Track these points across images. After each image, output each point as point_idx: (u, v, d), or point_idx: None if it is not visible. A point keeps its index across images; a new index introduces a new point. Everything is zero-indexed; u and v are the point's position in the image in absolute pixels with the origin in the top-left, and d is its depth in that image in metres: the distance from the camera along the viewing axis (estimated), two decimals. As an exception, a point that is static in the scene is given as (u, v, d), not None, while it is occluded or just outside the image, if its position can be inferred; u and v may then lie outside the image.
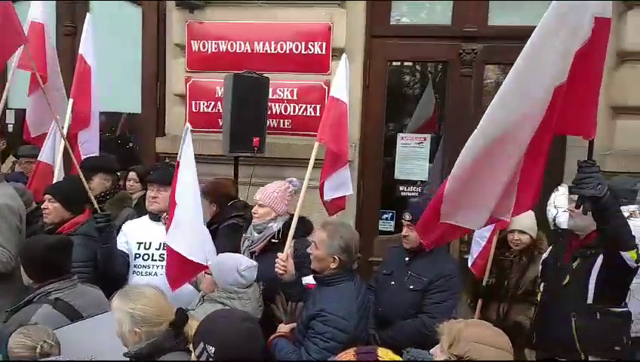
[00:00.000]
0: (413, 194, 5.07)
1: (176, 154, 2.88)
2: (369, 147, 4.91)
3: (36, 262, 2.58)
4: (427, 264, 2.96)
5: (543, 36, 2.16)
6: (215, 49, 4.79)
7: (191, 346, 1.94)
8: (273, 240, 3.13)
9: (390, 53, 4.98)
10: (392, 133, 5.40)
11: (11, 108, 5.33)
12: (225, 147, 4.25)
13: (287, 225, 3.08)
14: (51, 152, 3.98)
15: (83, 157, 4.07)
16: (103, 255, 3.04)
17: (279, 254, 2.84)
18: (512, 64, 2.25)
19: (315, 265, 2.67)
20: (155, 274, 3.14)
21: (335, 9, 4.62)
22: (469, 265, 3.74)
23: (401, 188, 5.10)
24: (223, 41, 4.76)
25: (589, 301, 2.75)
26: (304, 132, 4.59)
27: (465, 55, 4.71)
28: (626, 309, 2.79)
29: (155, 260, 3.18)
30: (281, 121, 4.76)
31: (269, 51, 4.69)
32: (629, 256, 2.50)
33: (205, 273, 2.83)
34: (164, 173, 3.26)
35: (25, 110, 4.43)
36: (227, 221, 3.55)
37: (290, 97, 4.72)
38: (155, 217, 3.25)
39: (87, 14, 4.26)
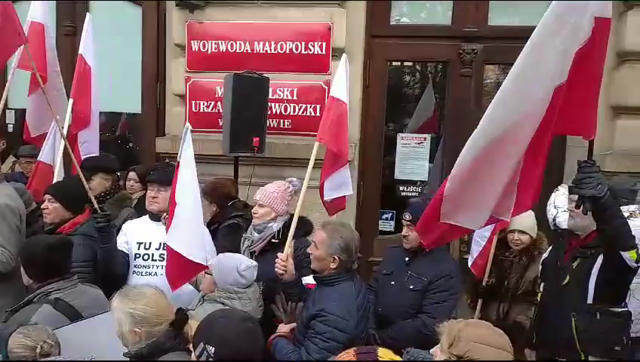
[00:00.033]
0: (413, 194, 5.07)
1: (177, 154, 2.88)
2: (369, 147, 4.91)
3: (36, 262, 2.58)
4: (427, 264, 2.96)
5: (543, 36, 2.16)
6: (215, 49, 4.79)
7: (191, 346, 1.94)
8: (273, 240, 3.13)
9: (390, 53, 4.98)
10: (392, 133, 5.40)
11: (11, 109, 5.33)
12: (225, 147, 4.25)
13: (287, 225, 3.09)
14: (51, 152, 3.98)
15: (83, 158, 4.08)
16: (103, 255, 3.04)
17: (279, 254, 2.84)
18: (512, 64, 2.26)
19: (315, 265, 2.67)
20: (155, 274, 3.13)
21: (335, 9, 4.62)
22: (469, 265, 3.74)
23: (401, 188, 5.10)
24: (223, 41, 4.76)
25: (589, 301, 2.74)
26: (304, 132, 4.59)
27: (465, 55, 4.71)
28: (626, 309, 2.79)
29: (155, 260, 3.18)
30: (281, 121, 4.76)
31: (269, 51, 4.69)
32: (628, 256, 2.50)
33: (205, 273, 2.83)
34: (164, 173, 3.25)
35: (25, 110, 4.43)
36: (227, 221, 3.56)
37: (290, 97, 4.72)
38: (155, 217, 3.25)
39: (87, 14, 4.27)
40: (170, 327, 2.07)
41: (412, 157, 5.02)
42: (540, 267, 3.21)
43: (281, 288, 2.84)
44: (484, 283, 3.59)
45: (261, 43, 4.69)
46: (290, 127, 4.75)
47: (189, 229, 2.81)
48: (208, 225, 3.47)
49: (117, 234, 3.21)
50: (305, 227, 3.21)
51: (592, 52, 2.20)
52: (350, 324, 2.48)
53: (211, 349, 1.80)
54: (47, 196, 3.17)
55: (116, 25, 5.24)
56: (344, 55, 3.56)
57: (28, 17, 4.04)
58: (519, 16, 4.71)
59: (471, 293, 3.72)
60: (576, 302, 2.77)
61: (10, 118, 5.55)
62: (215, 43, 4.78)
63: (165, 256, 2.96)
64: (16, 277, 3.02)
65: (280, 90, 4.70)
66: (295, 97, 4.72)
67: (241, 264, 2.78)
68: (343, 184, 3.60)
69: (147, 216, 3.32)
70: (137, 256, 3.20)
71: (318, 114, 4.58)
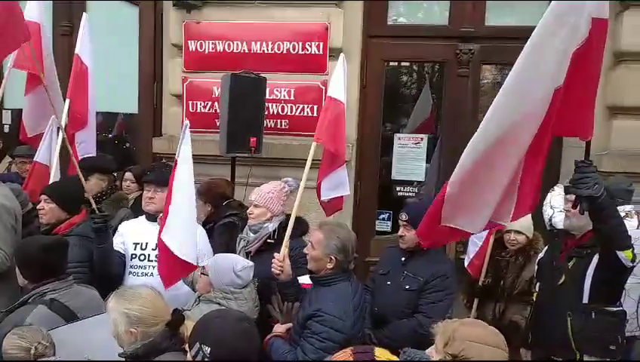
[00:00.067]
0: (410, 194, 5.08)
1: (173, 154, 2.88)
2: (366, 147, 4.91)
3: (32, 262, 2.57)
4: (423, 264, 2.96)
5: (542, 36, 2.16)
6: (212, 49, 4.79)
7: (187, 346, 1.93)
8: (269, 241, 3.12)
9: (387, 53, 4.98)
10: (389, 134, 5.42)
11: (7, 109, 5.32)
12: (222, 147, 4.25)
13: (282, 226, 3.08)
14: (47, 153, 3.96)
15: (80, 158, 4.06)
16: (99, 255, 3.03)
17: (276, 254, 2.84)
18: (509, 64, 2.26)
19: (311, 266, 2.66)
20: (152, 274, 3.12)
21: (332, 9, 4.62)
22: (466, 265, 3.75)
23: (398, 188, 5.10)
24: (220, 41, 4.76)
25: (585, 300, 2.75)
26: (301, 132, 4.59)
27: (462, 55, 4.71)
28: (621, 309, 2.80)
29: (152, 261, 3.16)
30: (279, 121, 4.76)
31: (266, 51, 4.69)
32: (624, 255, 2.51)
33: (201, 273, 2.83)
34: (161, 173, 3.25)
35: (21, 110, 4.42)
36: (223, 220, 3.56)
37: (287, 97, 4.72)
38: (152, 218, 3.24)
39: (84, 14, 4.25)
40: (166, 328, 2.06)
41: (409, 158, 5.03)
42: (536, 267, 3.22)
43: (277, 288, 2.83)
44: (480, 283, 3.60)
45: (258, 43, 4.69)
46: (287, 127, 4.75)
47: (182, 228, 2.80)
48: (203, 225, 3.46)
49: (113, 235, 3.20)
50: (301, 227, 3.21)
51: (589, 53, 2.20)
52: (346, 324, 2.48)
53: (207, 349, 1.80)
54: (44, 196, 3.15)
55: (113, 25, 5.23)
56: (342, 55, 3.56)
57: (24, 17, 4.02)
58: (516, 16, 4.72)
59: (467, 293, 3.73)
60: (572, 302, 2.78)
61: (7, 118, 5.54)
62: (212, 43, 4.78)
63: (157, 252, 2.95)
64: (11, 278, 3.00)
65: (277, 91, 4.70)
66: (292, 97, 4.71)
67: (237, 264, 2.78)
68: (341, 184, 3.60)
69: (144, 216, 3.31)
70: (134, 256, 3.19)
71: (315, 114, 4.58)
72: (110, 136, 6.59)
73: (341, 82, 3.39)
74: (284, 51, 4.67)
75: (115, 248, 3.14)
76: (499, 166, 2.36)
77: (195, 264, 2.82)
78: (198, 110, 4.87)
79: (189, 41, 4.82)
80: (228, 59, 4.71)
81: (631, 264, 2.57)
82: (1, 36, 3.14)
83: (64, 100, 4.03)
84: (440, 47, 4.82)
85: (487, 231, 3.46)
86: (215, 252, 3.20)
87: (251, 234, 3.16)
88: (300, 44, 4.64)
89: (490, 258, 3.56)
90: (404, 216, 3.04)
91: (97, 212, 3.07)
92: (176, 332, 2.06)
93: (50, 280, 2.54)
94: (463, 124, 4.65)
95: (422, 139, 5.06)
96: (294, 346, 2.56)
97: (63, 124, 3.82)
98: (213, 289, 2.76)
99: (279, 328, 2.71)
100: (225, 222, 3.52)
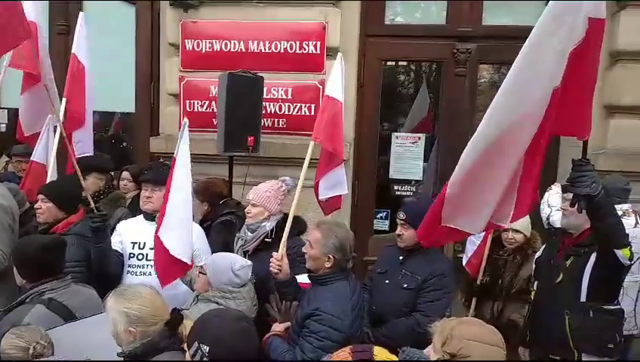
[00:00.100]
0: (407, 193, 5.09)
1: (171, 153, 2.88)
2: (364, 146, 4.92)
3: (29, 262, 2.57)
4: (421, 262, 2.96)
5: (541, 36, 2.16)
6: (209, 48, 4.78)
7: (185, 346, 1.93)
8: (266, 240, 3.13)
9: (384, 52, 4.99)
10: (387, 133, 5.43)
11: (4, 108, 5.30)
12: (219, 147, 4.24)
13: (280, 225, 3.09)
14: (44, 152, 3.96)
15: (77, 157, 4.05)
16: (97, 255, 3.03)
17: (274, 253, 2.84)
18: (507, 63, 2.26)
19: (309, 265, 2.66)
20: (150, 273, 3.11)
21: (329, 8, 4.62)
22: (464, 264, 3.76)
23: (395, 187, 5.11)
24: (217, 41, 4.75)
25: (583, 299, 2.76)
26: (299, 131, 4.59)
27: (459, 55, 4.72)
28: (618, 307, 2.81)
29: (150, 260, 3.16)
30: (276, 120, 4.75)
31: (263, 51, 4.69)
32: (622, 253, 2.52)
33: (199, 273, 2.83)
34: (158, 172, 3.24)
35: (18, 109, 4.40)
36: (220, 218, 3.55)
37: (284, 97, 4.72)
38: (150, 217, 3.24)
39: (81, 13, 4.23)
40: (165, 327, 2.06)
41: (407, 157, 5.04)
42: (534, 265, 3.23)
43: (275, 287, 2.83)
44: (478, 282, 3.61)
45: (255, 42, 4.68)
46: (284, 126, 4.74)
47: (178, 227, 2.80)
48: (201, 223, 3.46)
49: (111, 234, 3.19)
50: (299, 226, 3.21)
51: (586, 53, 2.20)
52: (345, 323, 2.48)
53: (206, 348, 1.80)
54: (41, 196, 3.15)
55: (110, 24, 5.22)
56: (339, 54, 3.56)
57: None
58: (513, 15, 4.73)
59: (465, 292, 3.73)
60: (570, 300, 2.79)
61: (3, 117, 5.52)
62: (209, 42, 4.77)
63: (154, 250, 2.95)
64: (9, 277, 2.99)
65: (274, 90, 4.69)
66: (290, 97, 4.71)
67: (235, 263, 2.78)
68: (338, 183, 3.61)
69: (142, 215, 3.31)
70: (132, 255, 3.19)
71: (312, 113, 4.58)
72: (107, 135, 6.58)
73: (339, 81, 3.39)
74: (282, 50, 4.67)
75: (113, 247, 3.14)
76: (498, 166, 2.37)
77: (190, 263, 2.82)
78: (196, 109, 4.86)
79: (185, 41, 4.81)
80: (225, 58, 4.70)
81: (628, 262, 2.57)
82: (3, 33, 3.12)
83: (61, 100, 4.02)
84: (437, 46, 4.83)
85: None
86: (213, 250, 3.20)
87: (249, 233, 3.16)
88: (298, 43, 4.63)
89: (488, 257, 3.57)
90: (401, 215, 3.04)
91: (95, 211, 3.07)
92: (175, 331, 2.06)
93: (48, 280, 2.53)
94: (460, 123, 4.67)
95: (419, 138, 5.06)
96: (293, 345, 2.56)
97: (59, 124, 3.81)
98: (211, 289, 2.76)
99: (278, 327, 2.71)
100: (222, 221, 3.52)
